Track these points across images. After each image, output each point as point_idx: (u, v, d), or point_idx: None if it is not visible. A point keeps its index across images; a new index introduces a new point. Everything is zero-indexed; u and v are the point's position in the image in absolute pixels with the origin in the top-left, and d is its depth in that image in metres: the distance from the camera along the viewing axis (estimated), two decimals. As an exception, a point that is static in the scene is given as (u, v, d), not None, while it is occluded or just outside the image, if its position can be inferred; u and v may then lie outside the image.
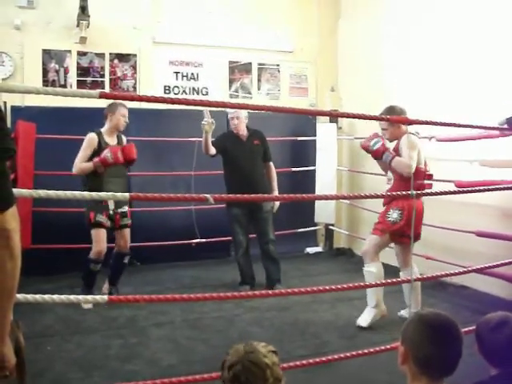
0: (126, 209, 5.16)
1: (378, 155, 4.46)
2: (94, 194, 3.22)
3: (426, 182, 4.44)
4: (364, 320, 4.45)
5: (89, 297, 3.01)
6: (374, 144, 4.44)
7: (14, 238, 1.26)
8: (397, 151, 4.43)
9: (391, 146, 4.54)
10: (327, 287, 3.53)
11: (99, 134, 5.01)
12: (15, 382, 1.51)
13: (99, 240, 4.96)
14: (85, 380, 3.43)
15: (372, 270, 4.41)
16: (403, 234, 4.39)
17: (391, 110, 4.43)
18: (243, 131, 5.65)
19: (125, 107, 5.12)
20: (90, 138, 4.97)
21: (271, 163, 5.81)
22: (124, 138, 5.25)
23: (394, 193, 4.20)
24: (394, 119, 3.71)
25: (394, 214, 4.42)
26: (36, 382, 3.31)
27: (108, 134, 5.07)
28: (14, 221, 1.27)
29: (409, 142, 4.30)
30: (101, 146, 4.96)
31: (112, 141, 5.07)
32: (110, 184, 4.87)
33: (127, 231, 5.22)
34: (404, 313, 4.61)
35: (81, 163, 4.92)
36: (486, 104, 5.02)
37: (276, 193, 5.72)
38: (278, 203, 5.75)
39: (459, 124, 4.06)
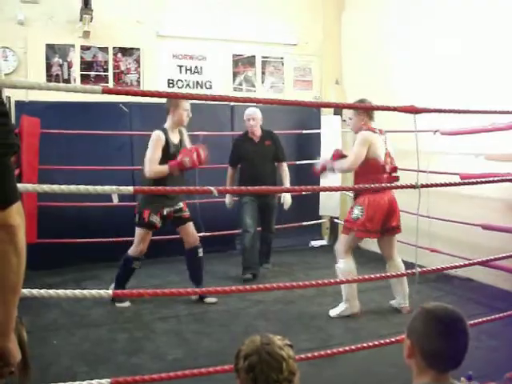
0: (181, 205, 4.98)
1: (323, 171, 4.84)
2: (98, 188, 3.21)
3: (394, 174, 4.62)
4: (334, 311, 4.63)
5: (93, 291, 3.00)
6: (316, 165, 4.85)
7: (18, 234, 1.26)
8: None
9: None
10: (332, 280, 3.52)
11: (165, 131, 4.77)
12: (21, 379, 1.51)
13: (145, 241, 4.82)
14: (90, 374, 3.44)
15: (339, 266, 4.63)
16: (367, 229, 4.53)
17: (361, 102, 4.58)
18: (258, 132, 5.90)
19: (187, 101, 4.84)
20: (158, 137, 4.69)
21: (284, 163, 6.06)
22: (185, 132, 5.03)
23: (397, 183, 4.19)
24: (401, 109, 3.68)
25: (355, 211, 4.58)
26: (42, 375, 3.32)
27: (171, 129, 4.84)
28: (19, 216, 1.26)
29: (360, 139, 4.53)
30: (168, 143, 4.73)
31: (175, 137, 4.86)
32: (172, 180, 4.57)
33: (189, 225, 5.01)
34: (394, 303, 4.74)
35: (155, 166, 4.63)
36: (493, 94, 4.99)
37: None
38: (289, 201, 5.98)
39: (468, 110, 4.03)
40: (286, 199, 5.97)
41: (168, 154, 4.70)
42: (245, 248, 5.80)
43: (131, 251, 4.84)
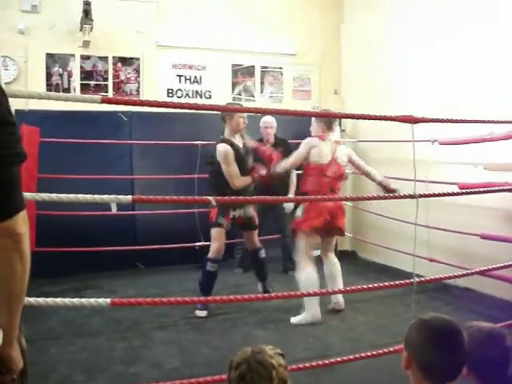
0: (251, 213, 5.21)
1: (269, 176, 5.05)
2: (97, 197, 3.22)
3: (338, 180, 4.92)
4: (295, 318, 4.73)
5: (92, 300, 3.00)
6: (260, 172, 5.05)
7: (24, 242, 1.28)
8: None
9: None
10: (330, 290, 3.52)
11: (228, 141, 4.98)
12: None
13: (216, 240, 5.04)
14: (88, 383, 3.44)
15: (300, 278, 4.77)
16: (312, 225, 4.80)
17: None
18: (272, 139, 6.36)
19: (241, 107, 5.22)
20: (228, 151, 4.92)
21: (293, 170, 6.29)
22: (246, 136, 5.27)
23: (396, 194, 4.20)
24: (400, 118, 3.70)
25: (298, 211, 4.92)
26: (40, 384, 3.33)
27: (231, 137, 5.04)
28: (25, 225, 1.28)
29: (303, 142, 4.90)
30: (238, 150, 5.00)
31: (238, 141, 5.09)
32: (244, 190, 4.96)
33: (254, 233, 5.35)
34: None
35: (240, 178, 4.93)
36: (492, 105, 5.01)
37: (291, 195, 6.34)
38: (289, 206, 6.26)
39: (466, 120, 4.04)
40: (288, 206, 6.29)
41: (240, 158, 4.98)
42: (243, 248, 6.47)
43: (209, 253, 5.06)
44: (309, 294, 3.54)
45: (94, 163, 6.22)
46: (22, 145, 1.29)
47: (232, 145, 4.96)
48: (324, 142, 4.87)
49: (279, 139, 6.40)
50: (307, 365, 3.19)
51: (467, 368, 1.85)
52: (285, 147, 6.15)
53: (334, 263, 5.09)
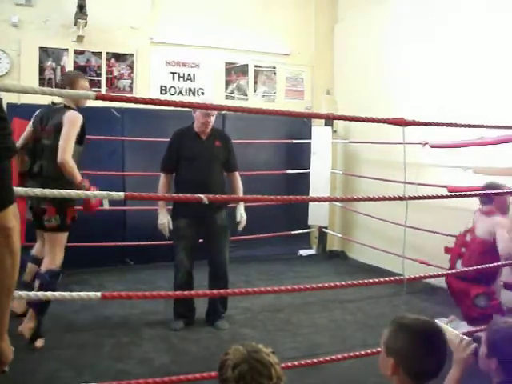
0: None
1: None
2: (89, 193, 3.23)
3: None
4: None
5: (82, 293, 3.00)
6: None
7: (14, 236, 1.28)
8: None
9: None
10: (320, 285, 3.53)
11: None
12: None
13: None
14: (76, 379, 3.43)
15: None
16: None
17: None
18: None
19: None
20: None
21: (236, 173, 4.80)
22: None
23: (387, 196, 4.22)
24: (391, 121, 3.71)
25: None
26: (27, 380, 3.32)
27: None
28: (15, 219, 1.29)
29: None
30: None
31: None
32: None
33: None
34: None
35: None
36: (483, 109, 5.05)
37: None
38: (245, 220, 4.60)
39: (456, 124, 4.06)
40: (243, 218, 4.59)
41: None
42: (175, 289, 4.50)
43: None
44: (299, 289, 3.55)
45: (86, 159, 6.16)
46: (13, 139, 1.30)
47: None
48: None
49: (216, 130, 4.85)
50: (295, 363, 3.21)
51: (494, 362, 1.90)
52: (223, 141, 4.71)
53: None
